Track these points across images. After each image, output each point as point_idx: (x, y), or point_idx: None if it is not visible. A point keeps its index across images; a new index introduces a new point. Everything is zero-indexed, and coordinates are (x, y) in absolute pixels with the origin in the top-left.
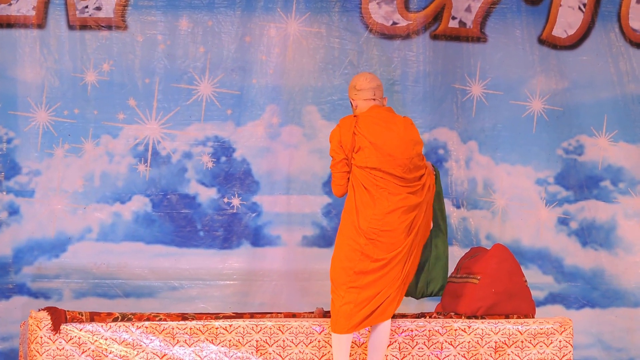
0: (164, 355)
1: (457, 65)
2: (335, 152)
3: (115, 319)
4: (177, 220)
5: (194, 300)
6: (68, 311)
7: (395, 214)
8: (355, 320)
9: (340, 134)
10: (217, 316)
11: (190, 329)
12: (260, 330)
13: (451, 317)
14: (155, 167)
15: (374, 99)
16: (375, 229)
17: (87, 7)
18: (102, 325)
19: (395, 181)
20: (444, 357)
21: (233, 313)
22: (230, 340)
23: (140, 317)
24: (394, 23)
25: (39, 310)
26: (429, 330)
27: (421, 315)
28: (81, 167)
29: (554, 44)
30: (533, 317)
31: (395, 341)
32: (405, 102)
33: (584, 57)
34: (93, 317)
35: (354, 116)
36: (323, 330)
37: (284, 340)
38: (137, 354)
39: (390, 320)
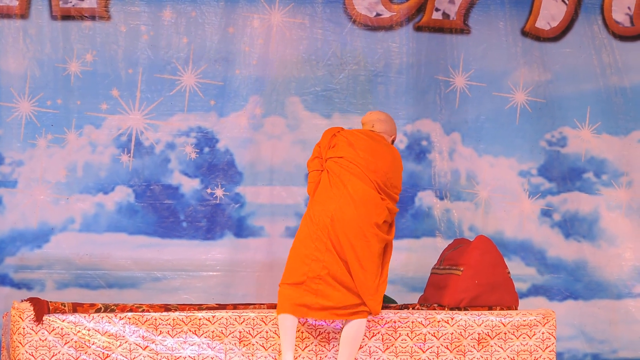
0: (147, 346)
1: (441, 56)
2: (313, 151)
3: (98, 310)
4: (160, 211)
5: (177, 291)
6: (51, 302)
7: (347, 201)
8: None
9: (322, 136)
10: (200, 307)
11: (173, 320)
12: (244, 321)
13: (434, 309)
14: (138, 158)
15: (379, 132)
16: (328, 215)
17: None
18: (84, 316)
19: (358, 171)
20: (427, 349)
21: (216, 304)
22: (213, 332)
23: (123, 308)
24: (378, 14)
25: (22, 301)
26: (412, 322)
27: (404, 307)
28: (64, 157)
29: (537, 36)
30: (516, 309)
31: (378, 332)
32: (389, 94)
33: (567, 49)
34: (76, 308)
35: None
36: (307, 322)
37: (267, 332)
38: (119, 345)
39: (365, 319)
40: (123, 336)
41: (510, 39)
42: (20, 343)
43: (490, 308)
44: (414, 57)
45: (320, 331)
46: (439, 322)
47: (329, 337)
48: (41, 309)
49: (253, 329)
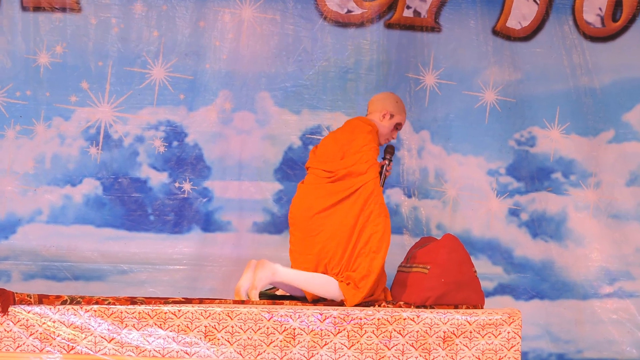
0: (112, 339)
1: (411, 54)
2: None
3: (64, 302)
4: (127, 204)
5: (144, 284)
6: (16, 293)
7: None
8: None
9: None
10: (166, 301)
11: (139, 313)
12: (209, 315)
13: (400, 307)
14: (106, 151)
15: (368, 113)
16: None
17: None
18: (50, 308)
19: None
20: (393, 346)
21: (182, 298)
22: (179, 325)
23: (89, 301)
24: (349, 11)
25: None
26: (378, 319)
27: (370, 304)
28: (32, 148)
29: (508, 36)
30: (482, 308)
31: (344, 329)
32: (359, 91)
33: (537, 49)
34: (41, 299)
35: None
36: (272, 317)
37: (232, 326)
38: (85, 338)
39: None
40: (88, 328)
41: (481, 37)
42: None
43: (456, 307)
44: (384, 55)
45: (285, 327)
46: (404, 319)
47: (294, 333)
48: (7, 299)
49: (219, 324)
